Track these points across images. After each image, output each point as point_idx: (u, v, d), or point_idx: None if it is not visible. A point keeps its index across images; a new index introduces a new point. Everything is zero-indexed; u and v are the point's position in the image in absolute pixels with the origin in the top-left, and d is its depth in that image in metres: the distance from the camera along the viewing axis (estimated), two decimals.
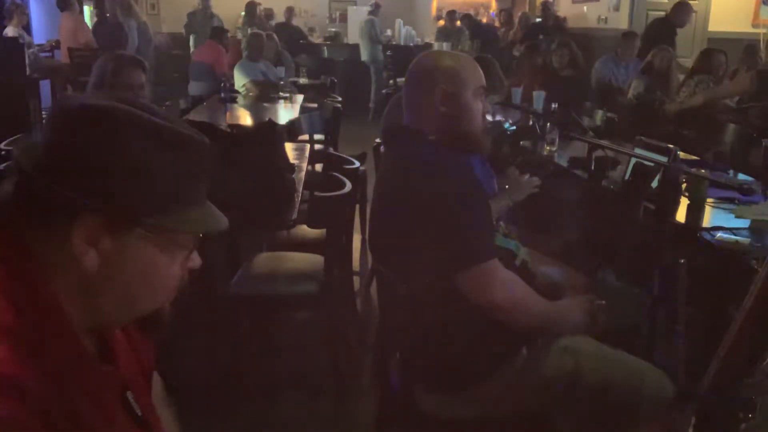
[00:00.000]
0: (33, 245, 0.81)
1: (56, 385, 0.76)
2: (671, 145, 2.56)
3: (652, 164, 2.02)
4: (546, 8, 9.26)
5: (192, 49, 8.95)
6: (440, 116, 1.78)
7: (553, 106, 4.21)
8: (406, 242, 1.71)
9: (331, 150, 4.26)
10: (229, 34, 8.00)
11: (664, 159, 2.05)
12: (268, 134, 2.75)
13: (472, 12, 11.58)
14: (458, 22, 10.31)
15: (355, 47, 9.84)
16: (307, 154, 3.80)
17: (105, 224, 0.82)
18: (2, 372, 0.71)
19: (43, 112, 7.74)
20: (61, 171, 0.80)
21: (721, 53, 5.24)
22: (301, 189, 2.90)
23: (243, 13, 9.92)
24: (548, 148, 3.74)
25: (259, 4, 9.77)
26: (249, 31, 8.51)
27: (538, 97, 4.68)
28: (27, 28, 8.36)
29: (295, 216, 2.57)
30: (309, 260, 2.80)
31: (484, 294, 1.65)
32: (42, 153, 0.82)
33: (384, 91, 7.93)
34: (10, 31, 7.38)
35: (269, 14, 10.60)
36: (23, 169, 0.82)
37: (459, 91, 1.78)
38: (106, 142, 0.82)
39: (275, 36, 7.30)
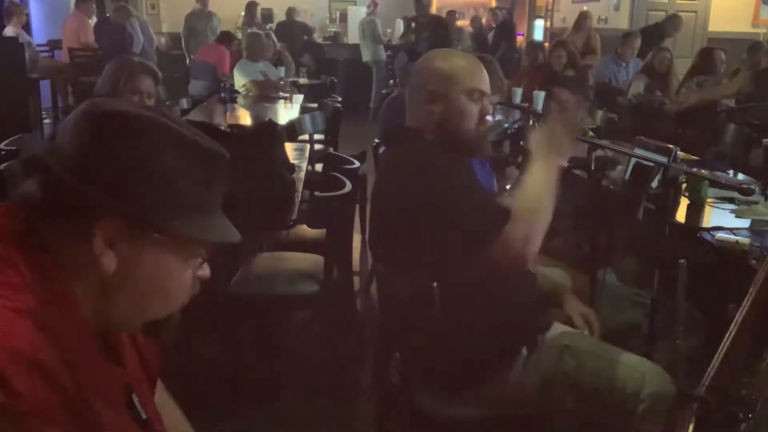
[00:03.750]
0: (53, 243, 0.83)
1: (73, 373, 0.78)
2: (671, 145, 2.56)
3: (652, 164, 2.02)
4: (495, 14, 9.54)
5: (186, 52, 8.92)
6: (431, 116, 1.79)
7: (553, 106, 4.21)
8: (412, 241, 1.70)
9: (331, 150, 4.26)
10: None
11: (664, 159, 2.04)
12: (268, 134, 2.74)
13: (472, 12, 11.58)
14: (459, 22, 10.32)
15: (355, 47, 9.83)
16: (307, 154, 3.80)
17: (126, 227, 0.84)
18: (28, 351, 0.73)
19: (43, 112, 7.75)
20: (89, 172, 0.83)
21: (720, 50, 5.23)
22: (301, 189, 2.90)
23: (243, 14, 9.92)
24: None
25: (258, 4, 9.77)
26: (248, 30, 8.51)
27: (538, 97, 4.68)
28: (27, 28, 8.36)
29: (295, 216, 2.57)
30: (309, 260, 2.80)
31: (524, 249, 1.61)
32: (70, 154, 0.84)
33: (383, 91, 7.93)
34: (9, 30, 7.38)
35: (268, 14, 10.59)
36: (50, 168, 0.83)
37: (447, 91, 1.77)
38: (134, 148, 0.84)
39: (273, 35, 7.30)
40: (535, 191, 1.70)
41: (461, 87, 1.78)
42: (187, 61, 8.72)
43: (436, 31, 7.60)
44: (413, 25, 7.87)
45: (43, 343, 0.75)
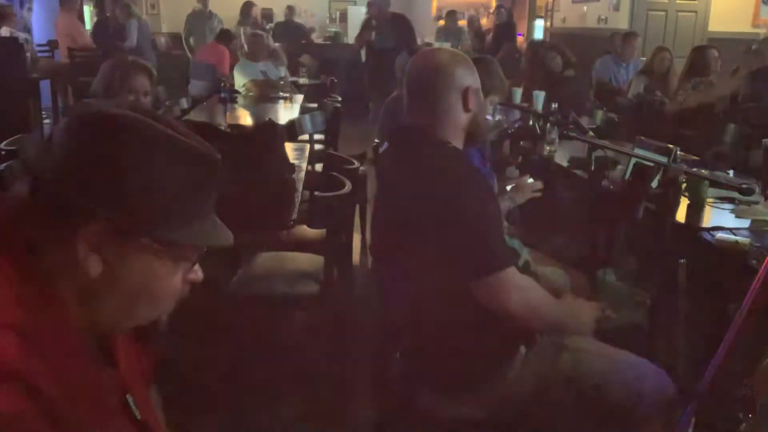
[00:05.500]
0: (41, 247, 0.82)
1: (61, 383, 0.77)
2: (671, 145, 2.56)
3: (652, 164, 2.03)
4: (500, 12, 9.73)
5: (188, 51, 8.93)
6: (461, 114, 1.79)
7: (553, 106, 4.22)
8: (416, 246, 1.69)
9: (331, 150, 4.26)
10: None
11: (664, 159, 2.05)
12: (268, 134, 2.74)
13: (472, 12, 11.58)
14: (461, 22, 10.32)
15: (355, 47, 9.82)
16: (307, 154, 3.80)
17: (110, 232, 0.82)
18: (11, 367, 0.72)
19: (43, 112, 7.75)
20: (71, 177, 0.81)
21: (712, 48, 5.23)
22: (301, 189, 2.90)
23: None
24: (548, 148, 3.74)
25: (255, 4, 9.75)
26: (241, 30, 8.51)
27: (538, 97, 4.68)
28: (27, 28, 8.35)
29: (295, 216, 2.57)
30: (309, 260, 2.80)
31: (500, 302, 1.64)
32: (54, 158, 0.83)
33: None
34: (4, 31, 7.36)
35: (268, 14, 10.58)
36: (34, 172, 0.83)
37: (479, 87, 1.83)
38: (117, 152, 0.82)
39: (269, 36, 7.31)
40: (557, 310, 1.77)
41: (478, 82, 1.84)
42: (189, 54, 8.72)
43: (399, 28, 7.53)
44: (374, 22, 7.79)
45: (28, 356, 0.74)
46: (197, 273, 0.93)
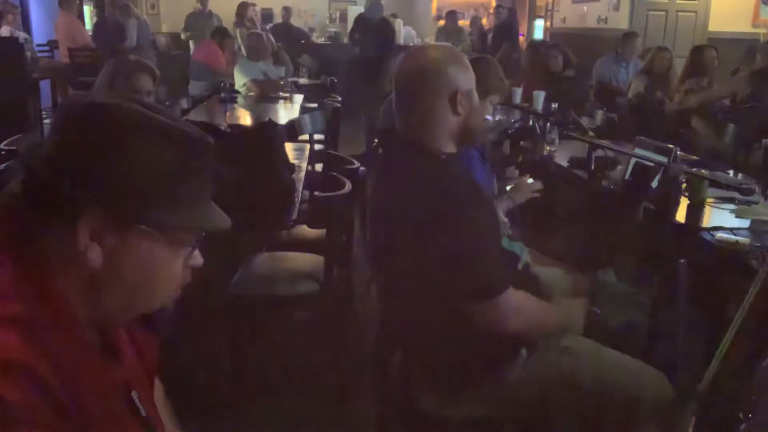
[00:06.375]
0: (40, 241, 0.83)
1: (65, 376, 0.77)
2: (671, 145, 2.57)
3: (652, 164, 2.03)
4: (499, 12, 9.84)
5: (192, 51, 8.94)
6: (450, 118, 1.68)
7: (553, 106, 4.22)
8: (410, 261, 1.66)
9: (331, 150, 4.26)
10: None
11: (664, 159, 2.05)
12: (268, 134, 2.74)
13: (472, 12, 11.58)
14: (461, 22, 10.32)
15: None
16: (307, 154, 3.80)
17: (109, 220, 0.83)
18: (16, 358, 0.72)
19: (43, 112, 7.75)
20: (66, 167, 0.81)
21: (711, 48, 5.23)
22: (301, 189, 2.90)
23: None
24: (548, 148, 3.74)
25: (254, 4, 9.74)
26: (237, 30, 8.51)
27: (538, 97, 4.69)
28: (27, 28, 8.35)
29: (295, 216, 2.57)
30: (309, 260, 2.80)
31: (499, 324, 1.63)
32: (48, 150, 0.83)
33: (386, 90, 7.90)
34: (4, 31, 7.36)
35: (269, 14, 10.57)
36: (29, 166, 0.83)
37: (473, 88, 1.72)
38: (110, 140, 0.83)
39: (270, 35, 7.30)
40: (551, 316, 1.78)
41: (474, 81, 1.73)
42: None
43: (381, 34, 7.51)
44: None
45: (32, 350, 0.74)
46: (197, 259, 0.94)
